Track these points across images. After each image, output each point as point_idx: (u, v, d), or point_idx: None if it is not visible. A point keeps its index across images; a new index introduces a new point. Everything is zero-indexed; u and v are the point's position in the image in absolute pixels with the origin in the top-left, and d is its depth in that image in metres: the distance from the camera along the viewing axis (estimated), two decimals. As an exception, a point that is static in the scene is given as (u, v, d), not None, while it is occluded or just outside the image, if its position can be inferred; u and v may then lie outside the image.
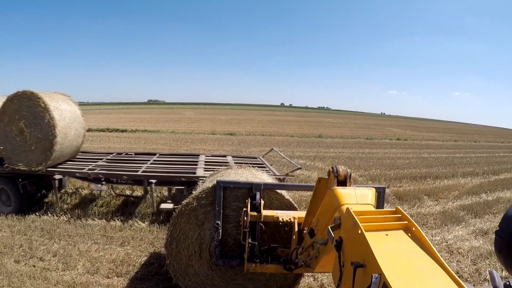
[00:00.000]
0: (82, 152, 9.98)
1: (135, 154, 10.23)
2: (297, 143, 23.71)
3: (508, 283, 2.14)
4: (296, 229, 4.06)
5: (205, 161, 8.81)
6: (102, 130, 27.07)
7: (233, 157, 9.66)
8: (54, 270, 5.45)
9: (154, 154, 10.01)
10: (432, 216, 9.02)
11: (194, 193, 4.81)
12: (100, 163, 8.64)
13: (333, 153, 19.56)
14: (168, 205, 7.37)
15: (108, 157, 9.35)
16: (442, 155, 22.79)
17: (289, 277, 4.85)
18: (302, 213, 4.18)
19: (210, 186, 4.57)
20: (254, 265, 4.21)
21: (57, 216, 7.73)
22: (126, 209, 8.46)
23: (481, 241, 7.61)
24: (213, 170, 7.67)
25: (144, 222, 7.60)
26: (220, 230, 4.50)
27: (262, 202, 4.31)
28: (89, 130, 26.72)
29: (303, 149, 20.91)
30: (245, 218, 4.06)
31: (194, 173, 7.54)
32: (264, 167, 8.26)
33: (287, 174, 7.70)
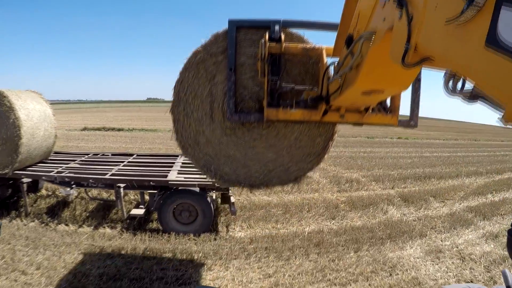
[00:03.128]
0: (58, 153, 9.59)
1: (112, 155, 9.82)
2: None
3: None
4: (325, 60, 3.52)
5: (182, 163, 8.32)
6: (98, 129, 26.68)
7: None
8: (37, 286, 5.08)
9: (131, 155, 9.58)
10: (440, 219, 8.72)
11: (203, 41, 4.00)
12: (72, 165, 8.24)
13: (334, 153, 19.16)
14: (139, 211, 6.97)
15: (83, 159, 8.95)
16: (444, 154, 22.51)
17: (317, 143, 4.27)
18: (329, 46, 3.52)
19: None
20: (276, 110, 3.60)
21: (23, 221, 7.35)
22: (99, 214, 7.99)
23: (492, 245, 7.36)
24: (188, 173, 7.34)
25: (116, 229, 7.17)
26: (234, 78, 3.86)
27: (283, 35, 3.64)
28: (84, 128, 26.99)
29: (304, 148, 20.47)
30: (263, 49, 3.48)
31: (166, 176, 7.06)
32: None
33: None
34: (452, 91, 1.53)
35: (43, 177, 7.29)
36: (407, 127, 3.86)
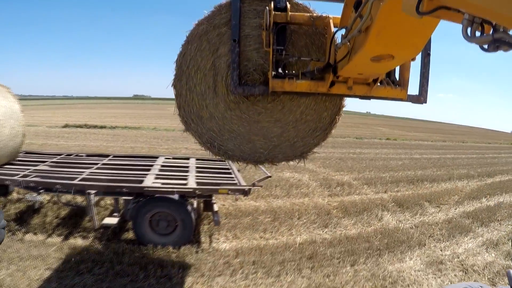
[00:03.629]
0: (29, 153, 8.85)
1: (87, 155, 9.01)
2: (283, 143, 22.67)
3: None
4: (332, 29, 3.38)
5: (162, 166, 7.61)
6: (80, 126, 25.65)
7: (197, 160, 8.52)
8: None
9: (107, 156, 8.79)
10: (437, 226, 8.27)
11: (206, 12, 3.88)
12: (41, 167, 7.44)
13: (323, 153, 18.62)
14: (112, 220, 6.26)
15: (54, 160, 8.12)
16: (433, 155, 22.41)
17: (323, 117, 4.16)
18: (337, 16, 3.42)
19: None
20: (281, 81, 3.46)
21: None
22: (71, 222, 7.27)
23: (493, 255, 7.01)
24: (167, 178, 6.65)
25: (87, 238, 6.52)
26: (238, 49, 3.72)
27: (289, 5, 3.50)
28: (65, 126, 26.02)
29: (291, 149, 19.95)
30: (268, 18, 3.38)
31: (141, 182, 6.29)
32: (229, 174, 7.27)
33: (253, 184, 6.38)
34: (471, 38, 1.42)
35: (7, 181, 6.52)
36: (416, 102, 3.76)
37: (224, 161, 8.16)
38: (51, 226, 6.95)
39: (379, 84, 3.36)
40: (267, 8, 3.42)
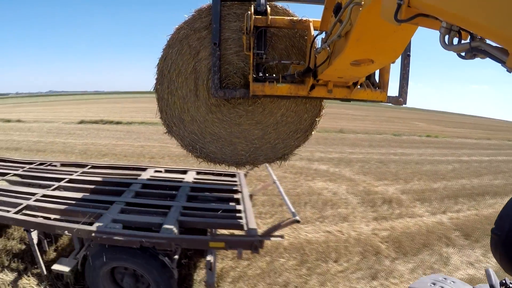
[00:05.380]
0: (1, 160, 7.25)
1: (61, 165, 7.05)
2: (316, 140, 19.99)
3: (504, 280, 2.19)
4: (312, 32, 3.39)
5: (142, 186, 5.42)
6: (96, 122, 24.30)
7: (197, 173, 6.33)
8: None
9: (84, 166, 6.82)
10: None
11: (186, 16, 3.96)
12: None
13: (360, 154, 16.33)
14: (65, 265, 4.13)
15: (19, 172, 6.23)
16: (483, 157, 19.55)
17: (304, 119, 4.31)
18: (317, 19, 3.40)
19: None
20: (262, 85, 3.53)
21: None
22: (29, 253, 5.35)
23: None
24: (139, 210, 4.52)
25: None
26: (219, 53, 3.79)
27: (269, 8, 3.50)
28: (81, 122, 24.70)
29: (324, 148, 17.63)
30: (249, 22, 3.43)
31: (100, 216, 4.23)
32: (237, 204, 4.93)
33: (269, 234, 3.91)
34: (449, 45, 1.45)
35: None
36: (396, 104, 3.79)
37: (234, 175, 6.19)
38: (8, 257, 5.30)
39: (359, 87, 3.42)
40: (248, 12, 3.48)
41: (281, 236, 3.88)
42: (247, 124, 4.24)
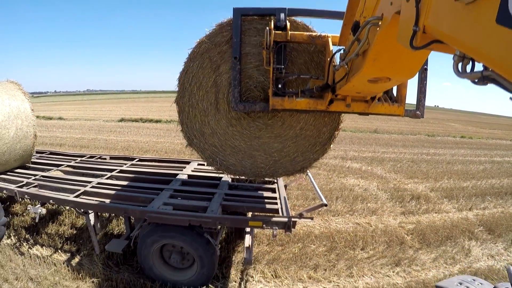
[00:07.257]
0: (53, 153, 8.09)
1: (110, 158, 7.84)
2: (350, 140, 20.53)
3: None
4: (331, 48, 3.52)
5: (187, 176, 6.13)
6: (135, 120, 25.44)
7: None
8: None
9: (132, 159, 7.57)
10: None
11: (207, 30, 4.01)
12: (52, 172, 6.36)
13: (393, 154, 16.54)
14: (117, 246, 4.98)
15: (72, 163, 6.99)
16: (516, 158, 19.17)
17: (323, 133, 4.31)
18: (335, 34, 3.53)
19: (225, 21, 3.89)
20: (281, 99, 3.60)
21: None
22: (84, 235, 6.26)
23: None
24: (186, 196, 5.15)
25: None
26: (239, 67, 3.85)
27: (288, 24, 3.61)
28: (121, 120, 25.96)
29: (358, 148, 17.92)
30: (269, 37, 3.50)
31: (151, 200, 4.92)
32: (273, 193, 5.45)
33: (300, 215, 4.41)
34: (462, 73, 1.45)
35: (5, 192, 5.52)
36: (414, 117, 3.84)
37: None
38: (62, 239, 6.09)
39: (377, 101, 3.47)
40: (268, 28, 3.52)
41: (311, 218, 4.45)
42: (266, 137, 4.27)
